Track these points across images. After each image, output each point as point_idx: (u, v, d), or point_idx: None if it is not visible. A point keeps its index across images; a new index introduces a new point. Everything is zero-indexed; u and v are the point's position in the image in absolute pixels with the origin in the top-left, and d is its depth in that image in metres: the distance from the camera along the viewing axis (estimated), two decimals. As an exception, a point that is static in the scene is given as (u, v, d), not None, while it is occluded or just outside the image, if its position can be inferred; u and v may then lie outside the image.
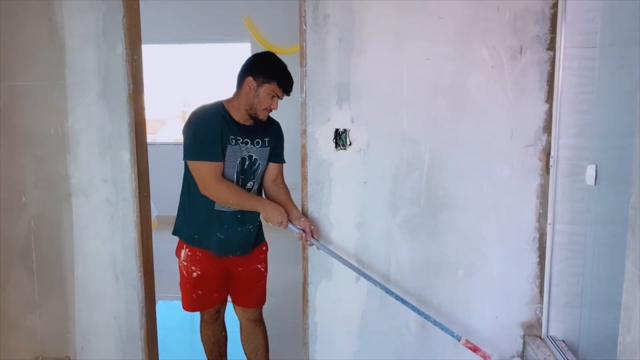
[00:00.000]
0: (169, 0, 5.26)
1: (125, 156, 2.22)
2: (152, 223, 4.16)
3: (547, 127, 2.03)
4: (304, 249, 2.21)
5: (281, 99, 2.08)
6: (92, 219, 2.28)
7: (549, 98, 2.01)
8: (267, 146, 2.16)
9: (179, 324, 3.35)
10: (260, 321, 2.32)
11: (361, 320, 2.22)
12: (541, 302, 2.13)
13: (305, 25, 2.07)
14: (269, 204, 2.07)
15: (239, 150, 2.07)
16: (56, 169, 2.26)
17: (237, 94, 2.08)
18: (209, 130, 2.01)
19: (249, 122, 2.11)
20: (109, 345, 2.35)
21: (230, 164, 2.06)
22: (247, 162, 2.10)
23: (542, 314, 2.13)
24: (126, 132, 2.20)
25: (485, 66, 2.02)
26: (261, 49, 4.90)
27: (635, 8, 1.67)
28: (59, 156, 2.24)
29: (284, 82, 2.04)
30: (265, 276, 2.31)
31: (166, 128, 7.50)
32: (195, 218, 2.14)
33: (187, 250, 2.18)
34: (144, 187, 2.31)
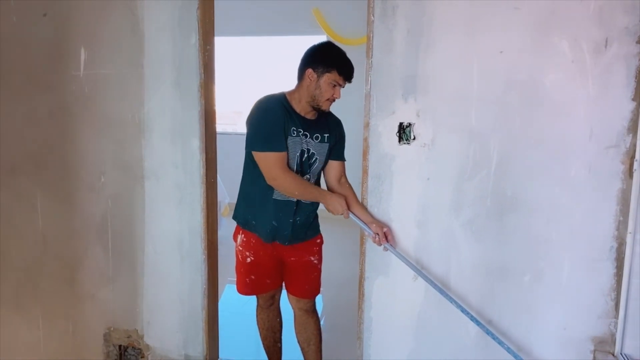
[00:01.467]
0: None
1: (195, 143, 2.31)
2: (223, 209, 4.33)
3: (633, 128, 1.86)
4: (362, 243, 2.19)
5: (343, 86, 2.06)
6: (162, 202, 2.40)
7: (636, 96, 1.84)
8: (327, 142, 2.15)
9: (242, 308, 3.44)
10: (313, 312, 2.34)
11: (418, 319, 2.17)
12: (616, 316, 1.96)
13: (373, 15, 2.03)
14: (330, 196, 2.09)
15: (300, 142, 2.08)
16: (132, 152, 2.39)
17: (298, 87, 2.10)
18: (273, 121, 2.03)
19: (310, 115, 2.11)
20: (172, 323, 2.47)
21: (292, 155, 2.07)
22: (305, 155, 2.10)
23: (616, 329, 1.97)
24: (196, 120, 2.28)
25: (565, 60, 1.88)
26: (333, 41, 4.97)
27: None
28: (135, 141, 2.37)
29: (344, 70, 2.02)
30: (319, 268, 2.31)
31: (244, 118, 7.73)
32: (255, 205, 2.18)
33: (242, 235, 2.24)
34: (211, 174, 2.40)
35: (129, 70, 2.33)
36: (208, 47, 2.28)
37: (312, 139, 2.11)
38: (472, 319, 1.96)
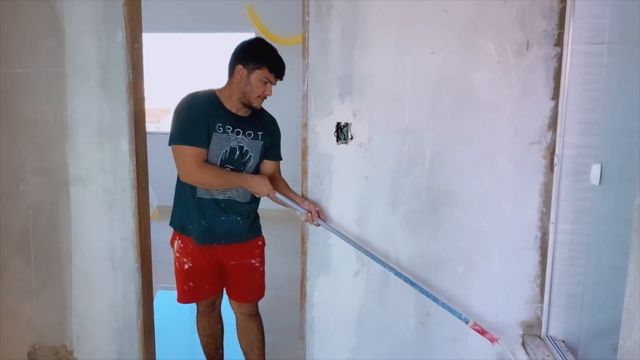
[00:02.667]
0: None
1: (124, 146, 2.20)
2: (152, 213, 4.17)
3: (553, 125, 1.99)
4: (303, 243, 2.19)
5: (274, 84, 2.03)
6: (90, 209, 2.27)
7: (555, 95, 1.97)
8: (260, 140, 2.11)
9: (177, 315, 3.34)
10: (255, 316, 2.30)
11: (359, 316, 2.20)
12: (541, 301, 2.10)
13: (308, 16, 2.03)
14: (251, 178, 2.02)
15: (227, 139, 2.02)
16: (55, 157, 2.24)
17: (229, 83, 2.05)
18: (193, 116, 1.97)
19: (243, 112, 2.07)
20: (105, 335, 2.35)
21: (215, 152, 2.01)
22: (237, 153, 2.05)
23: (542, 313, 2.10)
24: (125, 122, 2.18)
25: (491, 61, 1.98)
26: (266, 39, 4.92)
27: (645, 4, 1.63)
28: (58, 144, 2.23)
29: (275, 67, 1.99)
30: (261, 271, 2.26)
31: (170, 117, 7.49)
32: (184, 207, 2.12)
33: (179, 241, 2.17)
34: (143, 177, 2.30)
35: (49, 69, 2.18)
36: (136, 45, 2.17)
37: (245, 136, 2.06)
38: (421, 290, 2.02)
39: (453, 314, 2.01)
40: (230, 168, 2.05)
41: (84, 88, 2.18)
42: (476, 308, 2.14)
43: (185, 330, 3.18)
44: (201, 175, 1.96)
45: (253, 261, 2.22)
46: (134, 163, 2.21)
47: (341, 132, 2.09)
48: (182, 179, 2.01)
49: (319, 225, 2.05)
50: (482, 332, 1.98)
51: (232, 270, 2.21)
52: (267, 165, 2.19)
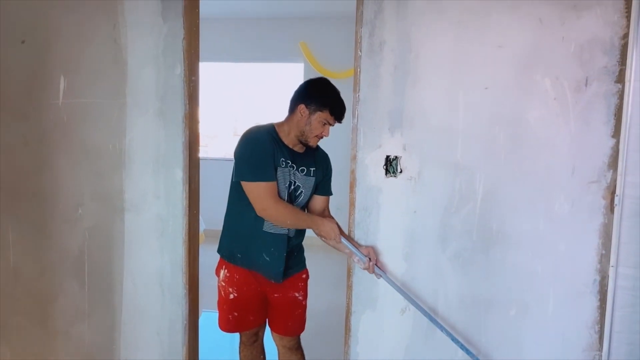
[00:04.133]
0: (228, 20, 5.42)
1: (178, 174, 2.26)
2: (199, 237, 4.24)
3: (613, 163, 1.91)
4: (349, 276, 2.17)
5: (332, 125, 2.06)
6: (143, 234, 2.33)
7: (616, 133, 1.90)
8: (312, 176, 2.12)
9: (221, 339, 3.35)
10: (297, 349, 2.27)
11: (405, 354, 2.15)
12: (600, 349, 1.99)
13: (361, 51, 2.06)
14: (322, 221, 2.05)
15: (288, 174, 2.05)
16: (112, 183, 2.32)
17: (288, 119, 2.07)
18: (262, 151, 1.99)
19: (298, 148, 2.09)
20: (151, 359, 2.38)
21: (281, 186, 2.04)
22: (291, 187, 2.07)
23: (601, 362, 1.99)
24: (180, 151, 2.24)
25: (547, 97, 1.94)
26: (314, 71, 5.01)
27: None
28: (115, 171, 2.31)
29: (336, 110, 2.02)
30: (304, 305, 2.24)
31: (217, 142, 7.69)
32: (243, 238, 2.12)
33: (226, 270, 2.18)
34: (194, 205, 2.35)
35: (111, 100, 2.28)
36: (193, 77, 2.25)
37: (298, 172, 2.08)
38: (462, 347, 1.96)
39: (465, 350, 1.95)
40: (287, 202, 2.07)
41: (142, 118, 2.26)
42: (528, 352, 2.05)
43: (227, 351, 3.19)
44: (277, 210, 1.98)
45: (297, 294, 2.21)
46: (187, 191, 2.26)
47: (390, 166, 2.08)
48: (258, 214, 2.02)
49: (379, 276, 2.05)
50: None
51: (275, 303, 2.20)
52: (317, 200, 2.19)
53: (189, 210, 2.28)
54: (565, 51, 1.91)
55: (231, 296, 2.17)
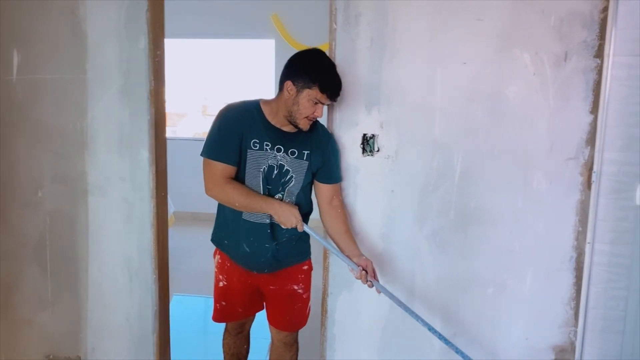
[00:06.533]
0: (194, -6, 5.21)
1: (144, 154, 2.15)
2: (169, 219, 4.13)
3: (591, 140, 1.90)
4: (325, 258, 2.11)
5: (323, 105, 1.82)
6: (108, 218, 2.22)
7: (594, 109, 1.88)
8: (306, 160, 1.88)
9: (193, 323, 3.28)
10: (292, 345, 2.14)
11: (382, 335, 2.12)
12: (576, 325, 2.00)
13: (336, 23, 1.97)
14: (279, 205, 1.83)
15: (265, 157, 1.85)
16: (74, 165, 2.19)
17: (277, 97, 1.86)
18: (225, 130, 1.84)
19: (289, 128, 1.87)
20: (120, 347, 2.29)
21: (253, 170, 1.86)
22: (275, 172, 1.86)
23: (576, 337, 2.00)
24: (146, 130, 2.13)
25: (527, 72, 1.89)
26: (287, 46, 4.87)
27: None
28: (77, 152, 2.18)
29: (328, 87, 1.77)
30: (304, 298, 2.05)
31: (186, 121, 7.48)
32: (227, 225, 1.99)
33: (219, 257, 2.05)
34: (162, 187, 2.24)
35: (70, 76, 2.14)
36: (158, 52, 2.13)
37: (287, 154, 1.86)
38: (446, 342, 1.86)
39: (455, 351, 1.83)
40: (269, 188, 1.88)
41: (105, 95, 2.13)
42: (506, 330, 2.05)
43: (200, 341, 3.13)
44: (223, 192, 1.84)
45: (295, 287, 2.03)
46: (154, 172, 2.15)
47: (367, 144, 2.02)
48: (205, 193, 1.90)
49: (372, 286, 1.84)
50: None
51: (271, 296, 2.04)
52: (321, 188, 1.95)
53: (157, 192, 2.17)
54: (545, 25, 1.86)
55: (221, 284, 2.06)
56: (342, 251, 1.89)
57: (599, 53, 1.85)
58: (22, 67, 2.15)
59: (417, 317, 1.83)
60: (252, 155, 1.85)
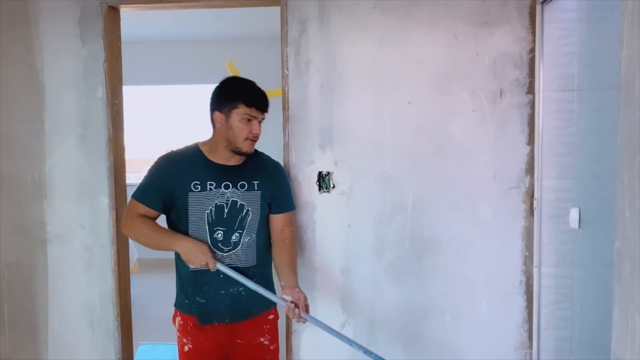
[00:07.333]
0: (151, 43, 5.33)
1: (104, 201, 2.17)
2: (132, 267, 4.08)
3: (530, 169, 2.03)
4: (288, 295, 2.14)
5: (260, 119, 1.76)
6: (68, 266, 2.21)
7: (531, 140, 2.02)
8: (257, 189, 1.80)
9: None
10: None
11: (347, 369, 2.15)
12: (530, 347, 2.08)
13: (287, 70, 2.08)
14: (186, 241, 1.70)
15: (209, 197, 1.74)
16: (32, 214, 2.19)
17: (213, 135, 1.81)
18: (153, 176, 1.78)
19: (235, 161, 1.79)
20: (82, 400, 2.24)
21: (197, 213, 1.73)
22: (226, 210, 1.76)
23: (531, 359, 2.08)
24: (105, 177, 2.16)
25: (467, 109, 2.04)
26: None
27: (608, 53, 1.71)
28: (36, 202, 2.19)
29: (252, 99, 1.72)
30: (272, 350, 1.86)
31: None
32: (181, 281, 1.82)
33: (179, 318, 1.84)
34: (122, 233, 2.25)
35: (28, 126, 2.17)
36: (116, 101, 2.19)
37: (237, 189, 1.77)
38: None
39: None
40: (222, 230, 1.75)
41: (63, 144, 2.17)
42: (465, 355, 2.11)
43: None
44: (133, 226, 1.75)
45: (262, 339, 1.84)
46: (114, 218, 2.17)
47: (323, 181, 2.11)
48: (121, 229, 1.83)
49: (305, 321, 1.71)
50: None
51: (239, 352, 1.83)
52: (273, 219, 1.86)
53: (117, 238, 2.19)
54: (480, 65, 2.02)
55: (186, 348, 1.81)
56: (280, 281, 1.78)
57: (531, 89, 2.01)
58: (-22, 119, 2.16)
59: (358, 346, 1.73)
60: (194, 198, 1.75)
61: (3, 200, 2.19)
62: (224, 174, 1.78)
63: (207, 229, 1.75)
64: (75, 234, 2.19)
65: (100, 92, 2.14)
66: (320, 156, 2.10)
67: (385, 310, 2.12)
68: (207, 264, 1.69)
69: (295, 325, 2.14)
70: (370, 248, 2.11)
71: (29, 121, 2.17)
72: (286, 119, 2.09)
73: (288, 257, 1.83)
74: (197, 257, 1.68)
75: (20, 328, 2.23)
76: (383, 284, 2.11)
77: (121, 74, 2.26)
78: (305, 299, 1.71)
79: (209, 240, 1.74)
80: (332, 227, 2.12)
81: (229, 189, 1.77)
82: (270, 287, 1.83)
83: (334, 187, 2.10)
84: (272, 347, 1.87)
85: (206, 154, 1.80)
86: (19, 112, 2.17)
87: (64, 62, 2.15)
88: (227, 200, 1.77)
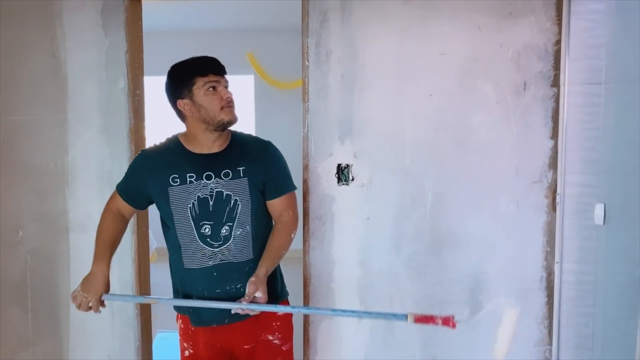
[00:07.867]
0: (172, 34, 5.35)
1: (125, 191, 2.19)
2: (151, 255, 4.13)
3: (553, 164, 2.00)
4: (305, 287, 2.15)
5: (224, 84, 1.64)
6: (90, 254, 2.21)
7: (554, 134, 1.99)
8: (244, 176, 1.63)
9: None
10: None
11: (364, 361, 2.15)
12: (550, 343, 2.06)
13: (308, 61, 2.07)
14: (89, 273, 1.64)
15: (190, 190, 1.60)
16: (55, 203, 2.23)
17: (186, 127, 1.68)
18: (132, 174, 1.71)
19: (217, 146, 1.65)
20: (103, 386, 2.28)
21: (179, 209, 1.60)
22: (211, 203, 1.61)
23: (551, 355, 2.06)
24: (126, 166, 2.16)
25: (489, 102, 2.00)
26: (263, 82, 5.01)
27: (638, 46, 1.66)
28: (58, 191, 2.22)
29: (203, 67, 1.63)
30: (285, 351, 1.71)
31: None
32: (173, 277, 1.72)
33: (180, 321, 1.73)
34: (142, 222, 2.28)
35: (51, 116, 2.19)
36: (138, 91, 2.20)
37: (221, 178, 1.62)
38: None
39: (390, 318, 1.64)
40: (210, 225, 1.61)
41: (85, 134, 2.19)
42: (483, 351, 2.09)
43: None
44: (100, 220, 1.72)
45: (271, 337, 1.69)
46: (135, 208, 2.19)
47: (342, 174, 2.10)
48: None
49: (258, 313, 1.53)
50: (428, 320, 1.46)
51: (247, 355, 1.68)
52: (271, 205, 1.69)
53: (137, 227, 2.21)
54: (503, 57, 1.98)
55: (186, 353, 1.71)
56: None
57: (555, 82, 1.97)
58: (4, 108, 2.20)
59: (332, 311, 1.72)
60: (174, 192, 1.62)
61: (26, 189, 2.23)
62: (205, 164, 1.64)
63: (193, 224, 1.61)
64: (96, 223, 2.19)
65: (122, 82, 2.15)
66: (340, 148, 2.09)
67: (403, 304, 2.11)
68: (79, 306, 1.61)
69: (313, 316, 2.14)
70: (389, 241, 2.10)
71: (52, 111, 2.19)
72: (306, 111, 2.08)
73: (272, 242, 1.65)
74: (79, 295, 1.61)
75: (43, 314, 2.27)
76: (401, 277, 2.10)
77: (142, 64, 2.27)
78: (255, 288, 1.50)
79: (196, 237, 1.61)
80: (351, 219, 2.11)
81: (212, 180, 1.62)
82: (278, 285, 1.72)
83: (353, 179, 2.09)
84: (284, 348, 1.71)
85: (185, 145, 1.67)
86: (43, 101, 2.20)
87: (87, 53, 2.17)
88: (210, 191, 1.62)
